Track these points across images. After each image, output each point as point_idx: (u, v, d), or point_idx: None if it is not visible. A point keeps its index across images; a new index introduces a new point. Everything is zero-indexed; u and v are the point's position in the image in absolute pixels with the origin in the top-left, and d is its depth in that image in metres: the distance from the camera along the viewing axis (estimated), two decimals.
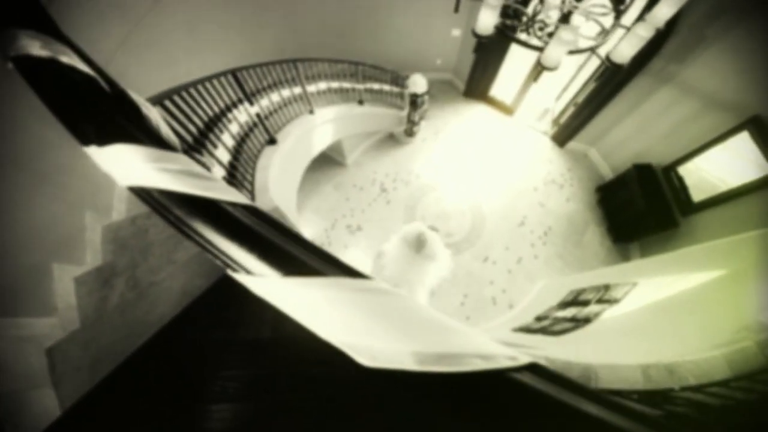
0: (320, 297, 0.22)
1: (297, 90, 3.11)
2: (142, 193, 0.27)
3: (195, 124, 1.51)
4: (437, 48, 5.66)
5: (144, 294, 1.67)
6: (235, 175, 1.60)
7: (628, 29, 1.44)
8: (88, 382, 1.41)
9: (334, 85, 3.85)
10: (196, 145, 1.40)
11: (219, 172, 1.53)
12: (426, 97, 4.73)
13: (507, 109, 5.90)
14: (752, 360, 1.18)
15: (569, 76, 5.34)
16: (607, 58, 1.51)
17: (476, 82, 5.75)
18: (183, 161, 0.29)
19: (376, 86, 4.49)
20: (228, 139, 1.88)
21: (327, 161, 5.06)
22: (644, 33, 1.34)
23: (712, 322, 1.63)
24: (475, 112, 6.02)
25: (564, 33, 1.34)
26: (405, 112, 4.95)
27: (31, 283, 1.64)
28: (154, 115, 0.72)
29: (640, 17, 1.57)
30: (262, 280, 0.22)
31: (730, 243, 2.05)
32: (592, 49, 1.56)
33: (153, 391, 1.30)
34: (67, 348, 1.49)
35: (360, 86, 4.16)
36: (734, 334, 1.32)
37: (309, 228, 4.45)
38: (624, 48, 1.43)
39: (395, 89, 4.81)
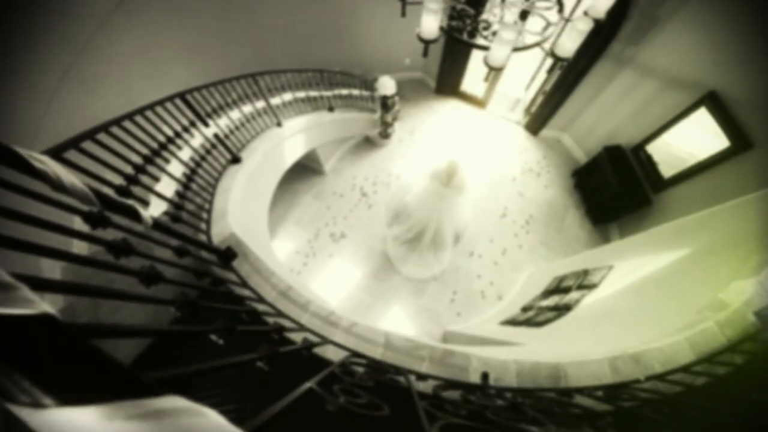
0: (99, 429, 0.19)
1: (261, 104, 3.03)
2: None
3: (130, 161, 1.41)
4: (404, 47, 5.65)
5: None
6: (182, 207, 1.51)
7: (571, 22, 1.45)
8: None
9: (301, 94, 3.79)
10: (128, 184, 1.32)
11: (160, 207, 1.46)
12: (396, 98, 4.71)
13: (479, 103, 5.95)
14: (712, 340, 1.20)
15: (536, 66, 5.41)
16: (552, 52, 1.52)
17: (446, 79, 5.77)
18: None
19: (344, 92, 4.45)
20: (177, 168, 1.79)
21: (304, 171, 5.00)
22: (583, 26, 1.35)
23: (682, 302, 1.66)
24: (448, 108, 6.04)
25: (505, 32, 1.33)
26: (378, 115, 4.93)
27: None
28: (52, 166, 0.68)
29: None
30: (38, 414, 0.19)
31: (697, 219, 2.09)
32: (539, 44, 1.57)
33: None
34: None
35: (328, 93, 4.11)
36: (696, 314, 1.34)
37: (292, 241, 4.38)
38: (566, 42, 1.44)
39: (365, 93, 4.77)
